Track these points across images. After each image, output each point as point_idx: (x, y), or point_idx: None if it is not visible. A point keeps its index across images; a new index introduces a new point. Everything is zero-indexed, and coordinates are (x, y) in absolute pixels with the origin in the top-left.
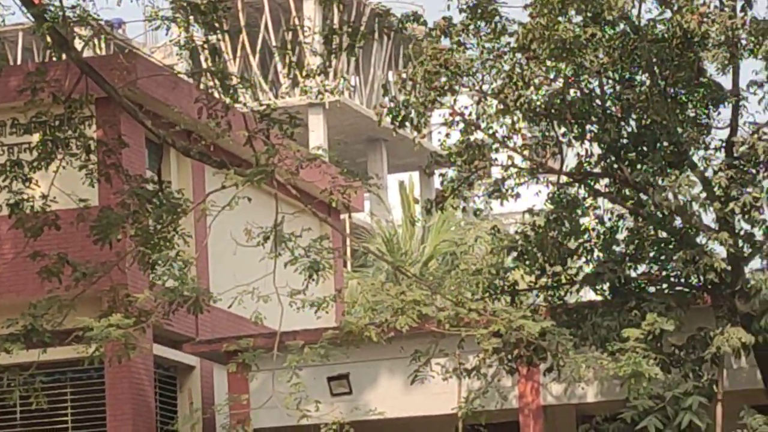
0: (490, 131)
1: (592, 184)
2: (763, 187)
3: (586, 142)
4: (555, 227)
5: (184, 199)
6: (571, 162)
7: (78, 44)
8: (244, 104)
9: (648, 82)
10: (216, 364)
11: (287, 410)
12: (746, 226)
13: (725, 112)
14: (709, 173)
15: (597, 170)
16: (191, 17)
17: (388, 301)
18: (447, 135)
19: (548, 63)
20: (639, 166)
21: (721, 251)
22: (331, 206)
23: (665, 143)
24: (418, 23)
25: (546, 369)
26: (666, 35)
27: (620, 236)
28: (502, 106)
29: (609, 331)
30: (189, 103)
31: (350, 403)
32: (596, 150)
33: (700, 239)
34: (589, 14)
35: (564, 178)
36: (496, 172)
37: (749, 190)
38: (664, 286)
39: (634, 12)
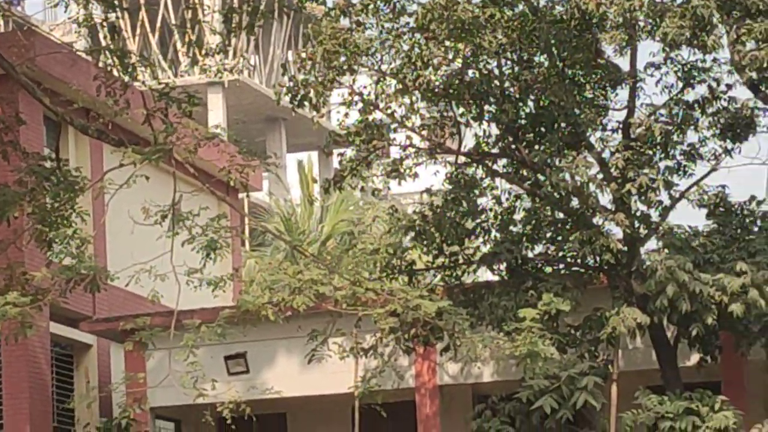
0: (389, 111)
1: (489, 164)
2: (659, 168)
3: (484, 122)
4: (453, 207)
5: (81, 177)
6: (469, 142)
7: None
8: (143, 83)
9: (546, 63)
10: (113, 343)
11: (184, 389)
12: (642, 207)
13: (623, 93)
14: (606, 154)
15: (495, 151)
16: None
17: (285, 280)
18: (346, 115)
19: (447, 43)
20: (537, 147)
21: (617, 232)
22: (230, 185)
23: (563, 124)
24: (318, 3)
25: (442, 348)
26: (564, 17)
27: (517, 216)
28: (400, 86)
29: (505, 311)
30: (87, 81)
31: (247, 382)
32: (494, 130)
33: (597, 220)
34: None
35: (462, 159)
36: (395, 152)
37: (645, 171)
38: (561, 266)
39: None
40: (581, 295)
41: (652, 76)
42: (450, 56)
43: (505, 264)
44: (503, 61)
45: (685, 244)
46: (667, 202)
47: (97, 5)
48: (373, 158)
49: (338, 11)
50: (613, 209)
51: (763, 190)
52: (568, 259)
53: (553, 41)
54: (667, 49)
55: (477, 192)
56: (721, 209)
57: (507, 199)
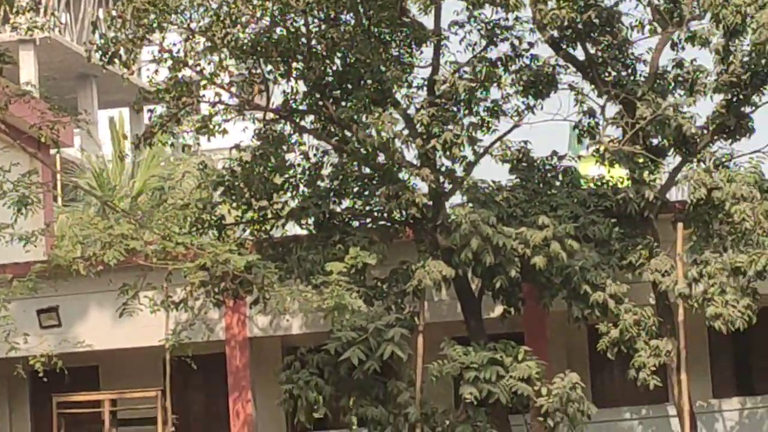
0: (198, 68)
1: (297, 120)
2: (463, 124)
3: (292, 79)
4: (261, 163)
5: None
6: (277, 99)
7: None
8: None
9: (352, 22)
10: None
11: None
12: (447, 163)
13: (427, 51)
14: (411, 111)
15: (302, 107)
16: None
17: (96, 235)
18: (156, 72)
19: (255, 1)
20: (343, 104)
21: (422, 187)
22: (41, 141)
23: (369, 81)
24: None
25: (252, 302)
26: None
27: (325, 172)
28: (209, 44)
29: (313, 264)
30: None
31: (59, 336)
32: (302, 87)
33: (403, 175)
34: None
35: (270, 115)
36: (204, 109)
37: (450, 127)
38: (368, 220)
39: None
40: (387, 248)
41: (456, 34)
42: (258, 14)
43: (312, 218)
44: (310, 19)
45: (489, 198)
46: (471, 157)
47: None
48: (182, 115)
49: None
50: (419, 164)
51: (565, 146)
52: (375, 214)
53: (358, 0)
54: (471, 7)
55: (285, 148)
56: (524, 164)
57: (314, 155)
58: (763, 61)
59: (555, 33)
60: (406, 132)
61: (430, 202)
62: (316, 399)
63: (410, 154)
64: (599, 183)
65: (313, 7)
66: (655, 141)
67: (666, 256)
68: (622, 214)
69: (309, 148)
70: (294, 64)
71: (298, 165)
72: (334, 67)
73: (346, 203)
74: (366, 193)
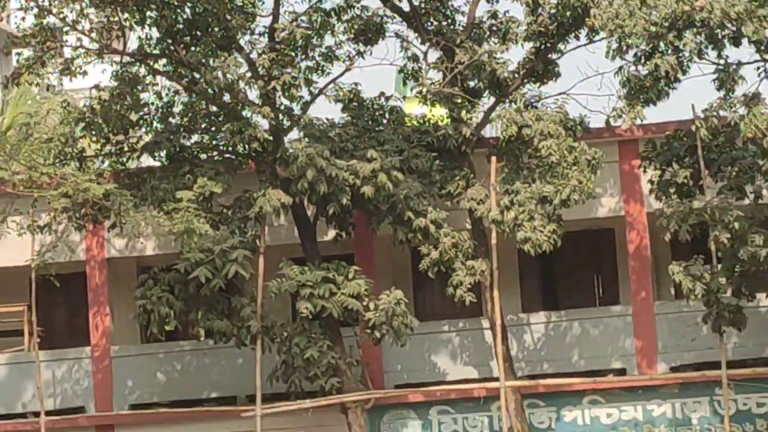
0: (62, 16)
1: (151, 63)
2: (300, 68)
3: (146, 26)
4: (118, 102)
5: None
6: (133, 44)
7: None
8: None
9: None
10: None
11: None
12: (286, 102)
13: (269, 1)
14: (254, 56)
15: (156, 52)
16: None
17: None
18: (23, 19)
19: None
20: (193, 49)
21: (264, 124)
22: None
23: (216, 29)
24: None
25: (110, 226)
26: None
27: (176, 110)
28: None
29: (165, 192)
30: None
31: None
32: (155, 34)
33: (246, 113)
34: None
35: (126, 59)
36: (67, 52)
37: (289, 70)
38: (214, 153)
39: None
40: (232, 178)
41: None
42: None
43: (164, 152)
44: None
45: (323, 134)
46: (307, 97)
47: None
48: (47, 58)
49: None
50: (260, 104)
51: (392, 87)
52: (221, 147)
53: None
54: None
55: (140, 88)
56: (355, 104)
57: (166, 95)
58: (568, 14)
59: None
60: (249, 74)
61: (271, 137)
62: (168, 313)
63: (253, 94)
64: (422, 121)
65: None
66: (471, 84)
67: (481, 186)
68: (442, 148)
69: (161, 88)
70: (148, 13)
71: (152, 103)
72: (185, 16)
73: (195, 138)
74: (213, 129)
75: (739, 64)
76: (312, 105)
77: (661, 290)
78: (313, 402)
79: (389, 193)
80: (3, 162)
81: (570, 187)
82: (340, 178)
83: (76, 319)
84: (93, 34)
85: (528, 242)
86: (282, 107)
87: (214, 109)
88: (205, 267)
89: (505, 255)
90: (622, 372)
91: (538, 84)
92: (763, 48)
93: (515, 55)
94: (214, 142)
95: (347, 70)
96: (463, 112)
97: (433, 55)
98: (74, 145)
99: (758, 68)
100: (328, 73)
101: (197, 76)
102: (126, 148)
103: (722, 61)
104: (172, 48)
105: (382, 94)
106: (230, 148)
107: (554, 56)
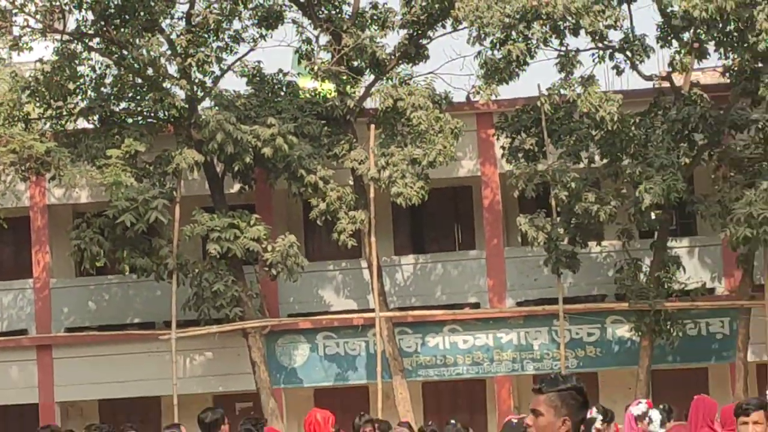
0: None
1: (87, 41)
2: (212, 47)
3: (83, 10)
4: (58, 73)
5: None
6: (71, 25)
7: None
8: None
9: None
10: None
11: None
12: (200, 76)
13: None
14: (173, 36)
15: (91, 32)
16: None
17: None
18: None
19: None
20: (122, 30)
21: (181, 94)
22: None
23: (142, 13)
24: None
25: (50, 177)
26: None
27: (107, 81)
28: None
29: (98, 150)
30: None
31: None
32: (90, 16)
33: (166, 84)
34: None
35: (66, 37)
36: (16, 31)
37: (202, 49)
38: (139, 118)
39: None
40: (154, 139)
41: None
42: None
43: (97, 116)
44: None
45: (231, 103)
46: (218, 72)
47: None
48: None
49: None
50: (178, 77)
51: (289, 65)
52: (145, 113)
53: None
54: None
55: (77, 62)
56: (257, 79)
57: (99, 68)
58: (436, 6)
59: None
60: (169, 52)
61: (187, 106)
62: (98, 252)
63: (172, 69)
64: (313, 94)
65: None
66: (355, 63)
67: (362, 149)
68: (330, 117)
69: (95, 62)
70: None
71: (87, 75)
72: (116, 1)
73: (123, 105)
74: (138, 97)
75: (577, 51)
76: (221, 79)
77: (510, 238)
78: (219, 327)
79: (285, 154)
80: None
81: (436, 151)
82: (245, 140)
83: (20, 256)
84: (38, 16)
85: (400, 196)
86: (196, 80)
87: (139, 80)
88: (130, 213)
89: (381, 207)
90: (476, 305)
91: (410, 64)
92: (597, 38)
93: (392, 39)
94: (139, 109)
95: (251, 50)
96: (348, 87)
97: (324, 38)
98: (21, 109)
99: (593, 55)
100: (236, 53)
101: (125, 52)
102: (64, 113)
103: (563, 48)
104: (104, 29)
105: (281, 70)
106: (152, 114)
107: (424, 41)
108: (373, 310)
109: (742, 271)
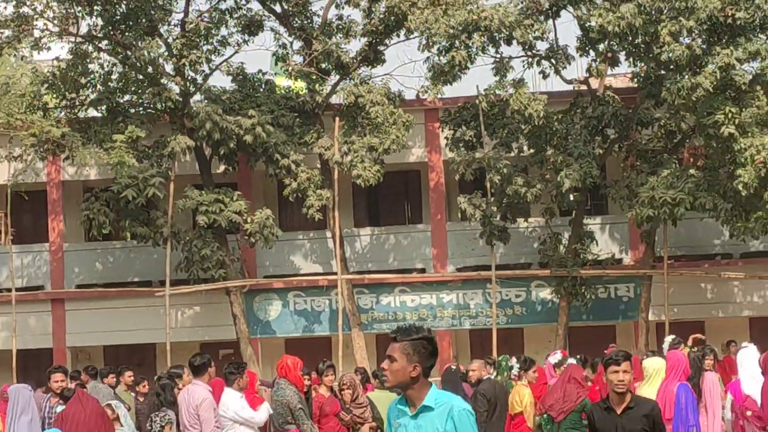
0: (33, 7)
1: (97, 44)
2: (203, 50)
3: (93, 16)
4: (72, 69)
5: None
6: (83, 29)
7: None
8: None
9: None
10: None
11: None
12: (192, 74)
13: (181, 3)
14: (170, 40)
15: (100, 35)
16: None
17: None
18: (4, 8)
19: None
20: (127, 34)
21: (176, 89)
22: None
23: (143, 20)
24: None
25: (65, 158)
26: None
27: (114, 77)
28: None
29: (105, 135)
30: None
31: None
32: (100, 22)
33: (164, 81)
34: None
35: (79, 39)
36: (36, 33)
37: (195, 52)
38: (140, 109)
39: None
40: (153, 127)
41: None
42: None
43: (105, 106)
44: None
45: (218, 97)
46: (207, 71)
47: None
48: (22, 37)
49: None
50: (174, 74)
51: (268, 66)
52: (145, 104)
53: None
54: None
55: (88, 60)
56: (241, 77)
57: (107, 66)
58: (392, 18)
59: None
60: (166, 53)
61: (181, 99)
62: (104, 221)
63: (168, 68)
64: (288, 90)
65: None
66: (323, 65)
67: (328, 138)
68: (302, 110)
69: (104, 61)
70: (95, 7)
71: (96, 72)
72: (121, 9)
73: (127, 97)
74: (140, 91)
75: (510, 58)
76: (210, 77)
77: (451, 214)
78: (206, 286)
79: (263, 141)
80: None
81: (390, 140)
82: (229, 129)
83: (38, 223)
84: (55, 21)
85: (360, 178)
86: (189, 78)
87: (141, 77)
88: (131, 189)
89: (343, 186)
90: (422, 270)
91: (370, 67)
92: (527, 47)
93: (354, 46)
94: (140, 101)
95: (236, 52)
96: (317, 85)
97: (297, 44)
98: (40, 100)
99: (523, 61)
100: (222, 55)
101: (129, 53)
102: (77, 103)
103: (498, 56)
104: (111, 33)
105: (260, 70)
106: (152, 105)
107: (382, 48)
108: (335, 273)
109: (645, 244)
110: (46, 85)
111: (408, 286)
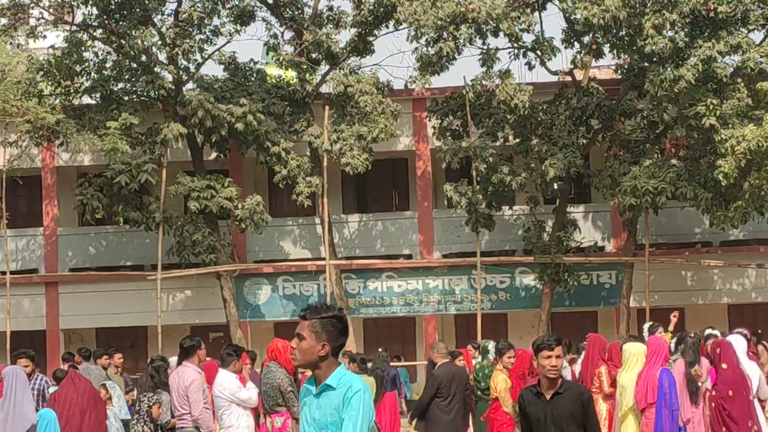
0: None
1: (91, 32)
2: (196, 39)
3: (88, 5)
4: (67, 57)
5: None
6: (78, 18)
7: None
8: None
9: None
10: None
11: None
12: (185, 63)
13: None
14: (163, 29)
15: (95, 24)
16: None
17: None
18: None
19: None
20: (121, 23)
21: (169, 77)
22: None
23: (137, 9)
24: None
25: (59, 144)
26: None
27: (108, 65)
28: None
29: (99, 122)
30: None
31: None
32: (95, 11)
33: (157, 69)
34: None
35: (74, 28)
36: (32, 22)
37: (187, 41)
38: (134, 96)
39: None
40: (146, 114)
41: None
42: None
43: (99, 94)
44: None
45: (210, 86)
46: (200, 60)
47: None
48: (18, 25)
49: None
50: (167, 63)
51: (260, 55)
52: (139, 92)
53: None
54: None
55: (83, 49)
56: (233, 66)
57: (101, 54)
58: (381, 9)
59: None
60: (159, 42)
61: (173, 87)
62: (97, 206)
63: (162, 56)
64: (279, 79)
65: None
66: (314, 55)
67: (318, 126)
68: (292, 99)
69: (98, 50)
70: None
71: (91, 60)
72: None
73: (121, 85)
74: (133, 79)
75: (497, 49)
76: (203, 65)
77: (438, 202)
78: (197, 270)
79: (254, 129)
80: None
81: (378, 128)
82: (221, 117)
83: (33, 208)
84: (51, 10)
85: (348, 165)
86: (182, 66)
87: (134, 65)
88: (124, 174)
89: (332, 174)
90: (409, 257)
91: (359, 57)
92: (513, 39)
93: (344, 36)
94: (133, 89)
95: (228, 42)
96: (307, 75)
97: (288, 34)
98: (35, 87)
99: (509, 53)
100: (215, 44)
101: (123, 42)
102: (72, 90)
103: (485, 47)
104: (106, 22)
105: (252, 60)
106: (145, 93)
107: (371, 38)
108: (324, 259)
109: (627, 232)
110: (41, 73)
111: (395, 271)
